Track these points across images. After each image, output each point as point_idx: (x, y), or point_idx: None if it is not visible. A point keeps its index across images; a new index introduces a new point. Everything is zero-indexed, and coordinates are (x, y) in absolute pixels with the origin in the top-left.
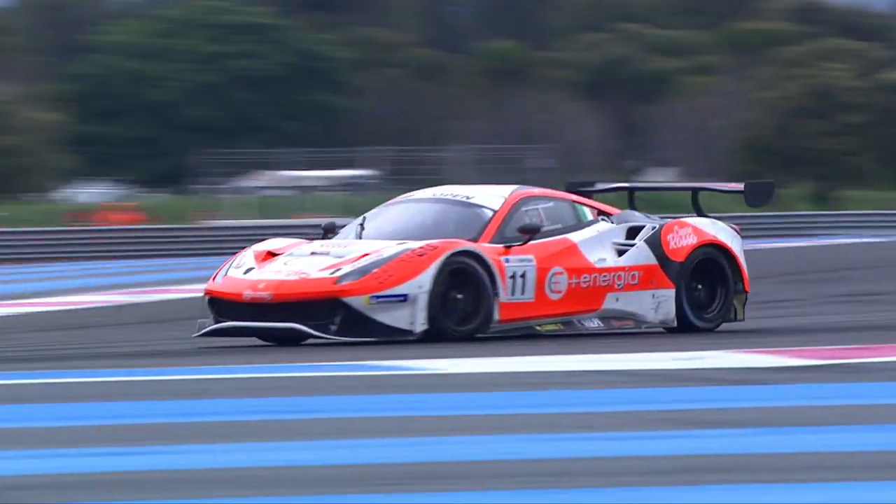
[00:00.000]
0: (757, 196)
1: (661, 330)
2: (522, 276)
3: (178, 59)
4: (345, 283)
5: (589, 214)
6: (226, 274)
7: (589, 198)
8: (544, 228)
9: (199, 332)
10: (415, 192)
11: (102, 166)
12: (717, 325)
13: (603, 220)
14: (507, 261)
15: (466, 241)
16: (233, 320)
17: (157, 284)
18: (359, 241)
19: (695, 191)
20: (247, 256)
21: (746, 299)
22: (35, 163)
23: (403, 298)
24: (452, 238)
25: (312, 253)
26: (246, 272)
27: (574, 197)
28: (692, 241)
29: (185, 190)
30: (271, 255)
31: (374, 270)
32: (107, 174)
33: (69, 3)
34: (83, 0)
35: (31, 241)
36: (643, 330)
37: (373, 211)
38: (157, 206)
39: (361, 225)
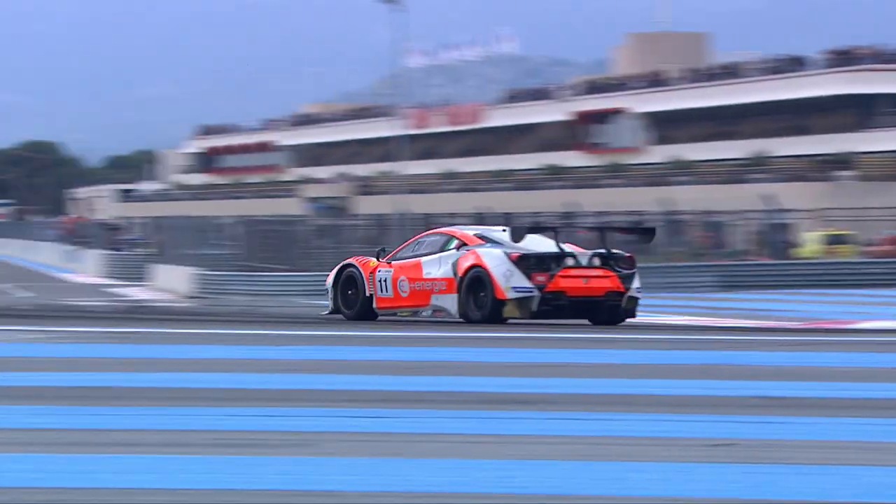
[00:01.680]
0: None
1: (460, 320)
2: (383, 281)
3: None
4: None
5: (452, 245)
6: None
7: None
8: (406, 253)
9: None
10: None
11: None
12: (487, 319)
13: (465, 250)
14: (379, 271)
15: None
16: None
17: None
18: None
19: (602, 230)
20: None
21: (521, 304)
22: None
23: (328, 291)
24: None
25: None
26: None
27: (462, 233)
28: (470, 263)
29: None
30: None
31: None
32: None
33: None
34: None
35: None
36: (450, 319)
37: None
38: None
39: None
